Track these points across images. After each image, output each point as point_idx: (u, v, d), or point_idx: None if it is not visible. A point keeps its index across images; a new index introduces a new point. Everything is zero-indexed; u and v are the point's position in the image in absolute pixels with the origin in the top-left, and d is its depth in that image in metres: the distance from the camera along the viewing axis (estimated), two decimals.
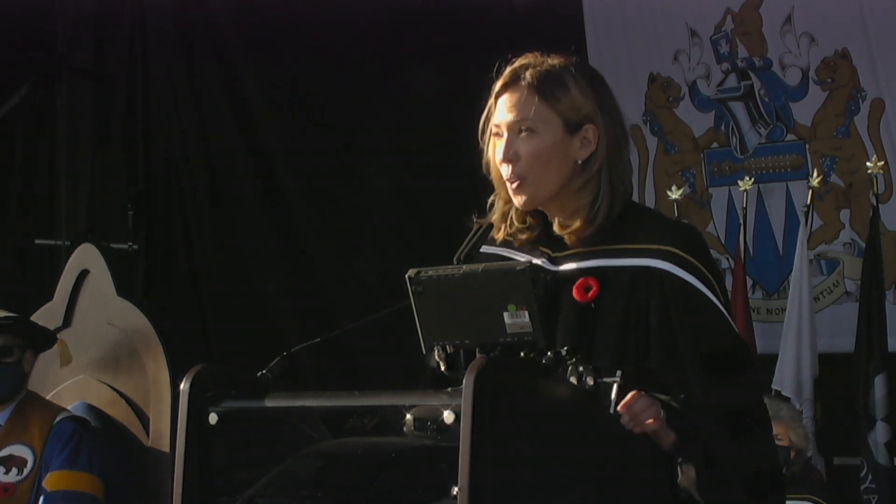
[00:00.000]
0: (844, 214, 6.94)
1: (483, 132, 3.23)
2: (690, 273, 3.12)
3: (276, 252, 8.13)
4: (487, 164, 3.23)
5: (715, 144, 7.27)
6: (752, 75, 7.13)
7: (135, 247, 7.98)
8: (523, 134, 3.14)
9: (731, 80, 7.19)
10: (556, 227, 3.20)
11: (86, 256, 5.74)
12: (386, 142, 7.84)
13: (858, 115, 6.86)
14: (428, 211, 7.54)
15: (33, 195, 8.40)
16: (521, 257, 3.22)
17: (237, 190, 8.23)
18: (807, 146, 7.01)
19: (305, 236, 8.08)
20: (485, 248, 3.31)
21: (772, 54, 7.05)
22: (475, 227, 3.29)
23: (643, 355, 3.11)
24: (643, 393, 2.97)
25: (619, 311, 3.12)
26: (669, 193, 6.99)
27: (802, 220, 6.73)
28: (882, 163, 6.63)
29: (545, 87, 3.15)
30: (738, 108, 7.19)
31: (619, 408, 2.93)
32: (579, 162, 3.17)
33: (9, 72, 8.11)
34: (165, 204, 8.38)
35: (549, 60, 3.20)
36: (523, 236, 3.24)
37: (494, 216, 3.26)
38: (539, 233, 3.24)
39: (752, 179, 6.92)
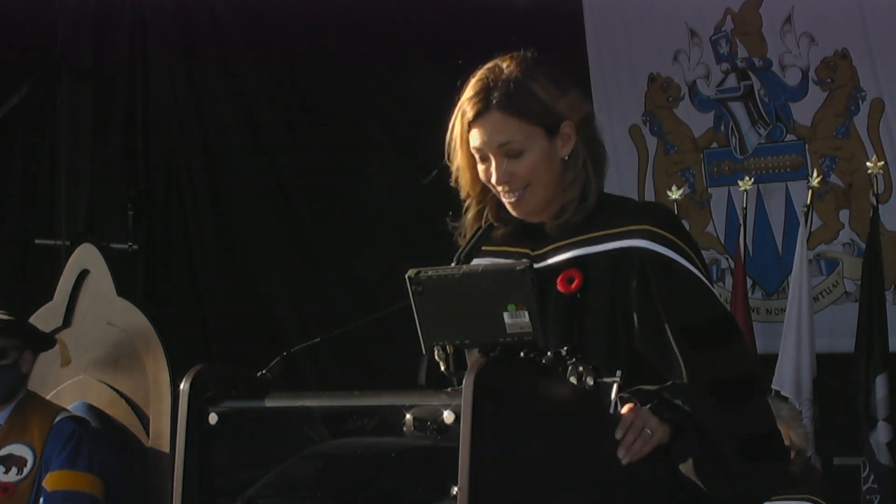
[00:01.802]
0: (844, 214, 6.94)
1: (450, 146, 3.23)
2: (668, 248, 3.14)
3: (276, 252, 8.13)
4: (456, 176, 3.26)
5: (715, 144, 7.27)
6: (751, 75, 7.13)
7: (135, 247, 7.98)
8: (512, 155, 3.16)
9: (731, 81, 7.19)
10: (544, 219, 3.22)
11: (86, 256, 5.75)
12: (387, 141, 7.84)
13: (858, 116, 6.86)
14: (429, 211, 7.53)
15: (33, 195, 8.40)
16: (501, 260, 3.23)
17: (238, 189, 8.24)
18: (807, 146, 7.01)
19: (306, 236, 8.08)
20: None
21: (772, 54, 7.05)
22: (475, 228, 3.29)
23: (632, 338, 3.13)
24: (637, 409, 2.98)
25: (605, 297, 3.14)
26: (669, 193, 6.99)
27: (802, 220, 6.73)
28: (882, 163, 6.63)
29: (517, 105, 3.15)
30: (738, 109, 7.20)
31: (616, 435, 2.95)
32: (565, 159, 3.20)
33: (9, 72, 8.11)
34: (165, 204, 8.38)
35: (507, 69, 3.18)
36: (499, 232, 3.27)
37: (468, 217, 3.29)
38: (514, 228, 3.26)
39: (752, 179, 6.92)
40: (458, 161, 3.24)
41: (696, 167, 7.31)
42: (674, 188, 7.02)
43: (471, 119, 3.17)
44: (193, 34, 8.28)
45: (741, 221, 6.93)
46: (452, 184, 3.29)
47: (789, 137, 7.07)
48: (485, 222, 3.28)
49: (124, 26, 8.40)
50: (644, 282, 3.12)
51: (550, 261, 3.20)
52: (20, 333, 5.36)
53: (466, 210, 3.30)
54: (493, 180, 3.18)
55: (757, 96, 7.12)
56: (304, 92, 8.05)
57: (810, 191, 6.73)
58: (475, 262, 3.23)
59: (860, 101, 6.85)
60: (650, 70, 7.36)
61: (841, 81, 6.89)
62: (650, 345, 3.10)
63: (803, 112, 7.01)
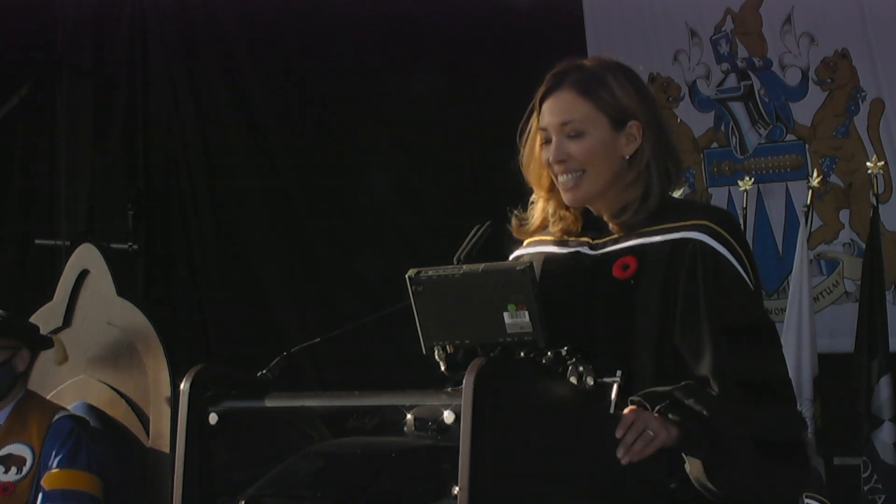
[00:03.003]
0: (844, 214, 6.94)
1: (522, 133, 3.32)
2: (723, 245, 3.19)
3: (277, 252, 8.12)
4: (526, 164, 3.32)
5: (715, 144, 7.27)
6: (751, 75, 7.13)
7: (135, 247, 7.97)
8: (572, 135, 3.22)
9: (731, 81, 7.19)
10: (605, 218, 3.28)
11: (86, 256, 5.74)
12: (388, 141, 7.84)
13: (858, 116, 6.86)
14: (430, 210, 7.54)
15: (33, 195, 8.39)
16: (562, 249, 3.28)
17: (238, 189, 8.23)
18: (807, 146, 7.01)
19: (307, 236, 8.08)
20: (523, 251, 3.36)
21: (772, 54, 7.05)
22: (475, 227, 3.30)
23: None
24: (638, 412, 2.99)
25: (658, 284, 3.19)
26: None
27: (802, 220, 6.72)
28: (882, 163, 6.62)
29: (588, 88, 3.24)
30: (738, 109, 7.19)
31: (616, 434, 2.96)
32: (626, 157, 3.25)
33: (9, 72, 8.11)
34: (165, 204, 8.38)
35: (588, 62, 3.30)
36: (558, 227, 3.32)
37: (535, 213, 3.35)
38: (579, 223, 3.31)
39: (752, 180, 6.91)
40: (527, 151, 3.32)
41: (696, 167, 7.31)
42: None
43: (542, 96, 3.26)
44: (193, 34, 8.28)
45: (741, 221, 6.93)
46: (523, 171, 3.34)
47: (789, 137, 7.07)
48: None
49: (124, 26, 8.39)
50: (693, 271, 3.16)
51: (609, 249, 3.26)
52: (14, 333, 5.35)
53: (532, 203, 3.36)
54: (551, 159, 3.24)
55: (757, 96, 7.12)
56: (305, 92, 8.05)
57: (810, 191, 6.72)
58: (532, 251, 3.31)
59: (860, 101, 6.85)
60: (650, 70, 7.35)
61: (841, 81, 6.89)
62: (683, 332, 3.13)
63: (803, 112, 7.01)
